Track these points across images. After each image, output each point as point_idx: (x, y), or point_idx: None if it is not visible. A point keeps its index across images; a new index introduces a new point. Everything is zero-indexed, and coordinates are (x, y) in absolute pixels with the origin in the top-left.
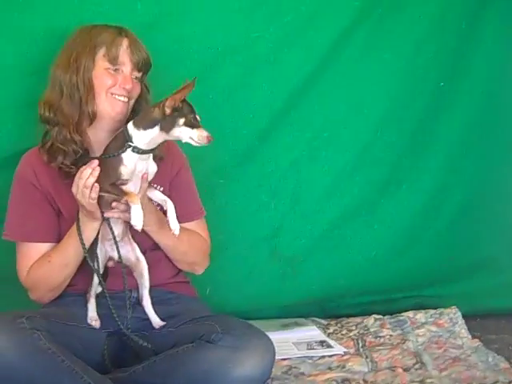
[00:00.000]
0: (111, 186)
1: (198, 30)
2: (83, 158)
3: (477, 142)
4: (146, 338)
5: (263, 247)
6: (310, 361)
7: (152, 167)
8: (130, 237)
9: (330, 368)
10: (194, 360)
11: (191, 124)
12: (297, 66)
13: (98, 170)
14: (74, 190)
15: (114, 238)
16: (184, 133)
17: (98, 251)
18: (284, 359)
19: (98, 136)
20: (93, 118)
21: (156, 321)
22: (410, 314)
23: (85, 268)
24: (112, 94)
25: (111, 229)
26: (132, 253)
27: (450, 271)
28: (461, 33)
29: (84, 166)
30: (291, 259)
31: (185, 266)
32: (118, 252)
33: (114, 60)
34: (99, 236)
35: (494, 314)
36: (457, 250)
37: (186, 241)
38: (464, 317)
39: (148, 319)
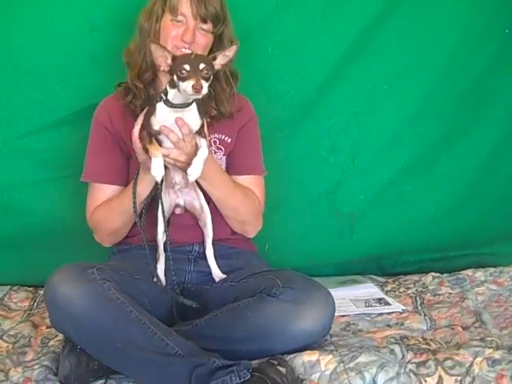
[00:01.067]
0: (146, 134)
1: None
2: (147, 102)
3: None
4: (205, 292)
5: (322, 203)
6: (368, 318)
7: (194, 120)
8: (195, 185)
9: (388, 325)
10: (255, 313)
11: (181, 77)
12: (355, 18)
13: (141, 120)
14: (133, 140)
15: (161, 186)
16: (182, 87)
17: (163, 198)
18: (342, 316)
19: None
20: (153, 68)
21: (217, 273)
22: (469, 272)
23: (153, 220)
24: (175, 45)
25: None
26: (197, 200)
27: (509, 229)
28: None
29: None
30: (349, 215)
31: (236, 224)
32: (162, 204)
33: (173, 11)
34: (163, 185)
35: None
36: None
37: (239, 196)
38: None
39: (210, 274)
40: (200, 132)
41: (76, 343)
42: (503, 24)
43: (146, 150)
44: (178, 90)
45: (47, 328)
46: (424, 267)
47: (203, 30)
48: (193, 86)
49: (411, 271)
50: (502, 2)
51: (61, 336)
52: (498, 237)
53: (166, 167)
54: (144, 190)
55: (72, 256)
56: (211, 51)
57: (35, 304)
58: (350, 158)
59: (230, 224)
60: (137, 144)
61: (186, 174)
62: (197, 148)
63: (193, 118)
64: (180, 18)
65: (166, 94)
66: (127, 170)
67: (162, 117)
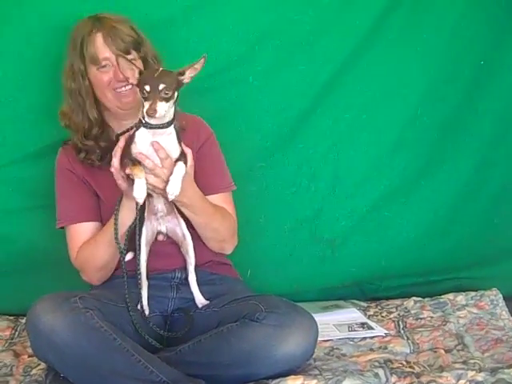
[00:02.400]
0: (126, 160)
1: (237, 12)
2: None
3: None
4: (186, 318)
5: (303, 230)
6: (351, 342)
7: (172, 145)
8: (177, 212)
9: (371, 349)
10: (239, 338)
11: (143, 97)
12: (335, 49)
13: (119, 152)
14: (113, 171)
15: (137, 211)
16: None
17: (144, 228)
18: (326, 340)
19: (122, 126)
20: (99, 122)
21: (200, 299)
22: (451, 296)
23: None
24: (114, 89)
25: (138, 205)
26: (179, 227)
27: (489, 253)
28: (500, 9)
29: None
30: (331, 241)
31: (215, 244)
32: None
33: (95, 61)
34: (145, 213)
35: None
36: (496, 231)
37: (219, 218)
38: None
39: (193, 300)
40: (180, 159)
41: (59, 372)
42: (478, 55)
43: (128, 178)
44: None
45: (29, 357)
46: (406, 292)
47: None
48: (146, 110)
49: (393, 296)
50: (476, 34)
51: (43, 364)
52: (478, 261)
53: (148, 194)
54: (128, 217)
55: (54, 284)
56: None
57: (16, 333)
58: (331, 185)
59: (209, 244)
60: (118, 175)
61: (166, 192)
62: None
63: (171, 143)
64: (104, 63)
65: (143, 115)
66: (99, 206)
67: (142, 143)
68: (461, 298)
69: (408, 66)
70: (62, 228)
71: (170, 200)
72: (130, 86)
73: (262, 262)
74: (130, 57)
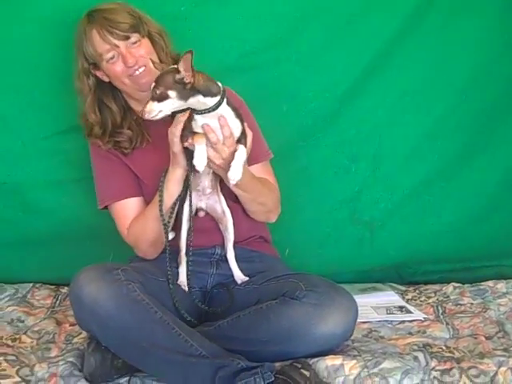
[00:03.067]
0: (186, 133)
1: None
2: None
3: None
4: (226, 294)
5: (342, 211)
6: (389, 325)
7: (232, 123)
8: (219, 188)
9: (410, 333)
10: (278, 316)
11: None
12: (379, 30)
13: (182, 121)
14: (169, 136)
15: (189, 184)
16: None
17: (186, 204)
18: (364, 322)
19: None
20: (117, 116)
21: (239, 275)
22: (491, 283)
23: (178, 224)
24: (129, 75)
25: (188, 176)
26: (219, 204)
27: None
28: None
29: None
30: (370, 224)
31: (261, 216)
32: (191, 205)
33: (99, 56)
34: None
35: None
36: None
37: (266, 192)
38: None
39: (232, 276)
40: (240, 140)
41: (101, 342)
42: None
43: (184, 149)
44: None
45: (70, 325)
46: (444, 277)
47: (134, 43)
48: (140, 111)
49: (431, 281)
50: None
51: (84, 333)
52: None
53: (195, 169)
54: (175, 189)
55: (94, 256)
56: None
57: (57, 302)
58: (371, 167)
59: (255, 216)
60: (175, 139)
61: (227, 177)
62: (233, 154)
63: (230, 122)
64: (109, 54)
65: None
66: (139, 183)
67: (199, 121)
68: (501, 286)
69: (454, 50)
70: (105, 208)
71: (232, 185)
72: (143, 68)
73: (301, 242)
74: (132, 40)
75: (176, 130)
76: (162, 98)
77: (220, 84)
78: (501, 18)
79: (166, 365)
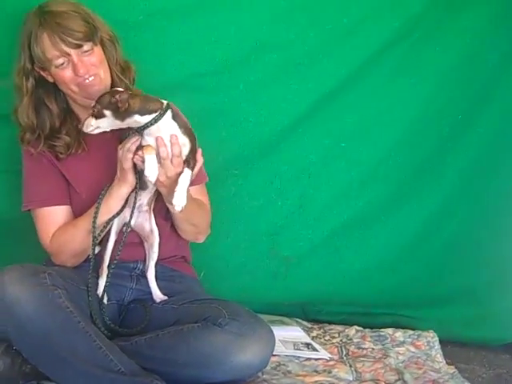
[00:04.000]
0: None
1: (241, 19)
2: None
3: (479, 180)
4: (142, 310)
5: (262, 243)
6: (296, 360)
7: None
8: (152, 207)
9: (316, 371)
10: (199, 340)
11: None
12: (327, 75)
13: (138, 140)
14: (119, 152)
15: (134, 203)
16: None
17: (116, 219)
18: (273, 355)
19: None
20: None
21: (157, 294)
22: (390, 331)
23: (106, 236)
24: (78, 83)
25: (136, 195)
26: (148, 223)
27: (429, 296)
28: (487, 71)
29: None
30: (286, 259)
31: (190, 236)
32: (131, 218)
33: (48, 61)
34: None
35: (464, 344)
36: (440, 276)
37: (199, 213)
38: None
39: (151, 293)
40: (189, 161)
41: (14, 345)
42: (458, 109)
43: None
44: None
45: None
46: (346, 319)
47: (86, 51)
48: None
49: (334, 321)
50: (460, 89)
51: None
52: (416, 302)
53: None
54: (116, 205)
55: (7, 254)
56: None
57: None
58: (297, 205)
59: (185, 235)
60: (129, 155)
61: (170, 201)
62: (179, 176)
63: (181, 138)
64: (59, 60)
65: None
66: (69, 190)
67: (149, 140)
68: (399, 335)
69: (392, 106)
70: (28, 211)
71: (176, 211)
72: (93, 77)
73: (217, 267)
74: (84, 48)
75: (132, 146)
76: (99, 115)
77: (164, 101)
78: (441, 83)
79: (82, 377)
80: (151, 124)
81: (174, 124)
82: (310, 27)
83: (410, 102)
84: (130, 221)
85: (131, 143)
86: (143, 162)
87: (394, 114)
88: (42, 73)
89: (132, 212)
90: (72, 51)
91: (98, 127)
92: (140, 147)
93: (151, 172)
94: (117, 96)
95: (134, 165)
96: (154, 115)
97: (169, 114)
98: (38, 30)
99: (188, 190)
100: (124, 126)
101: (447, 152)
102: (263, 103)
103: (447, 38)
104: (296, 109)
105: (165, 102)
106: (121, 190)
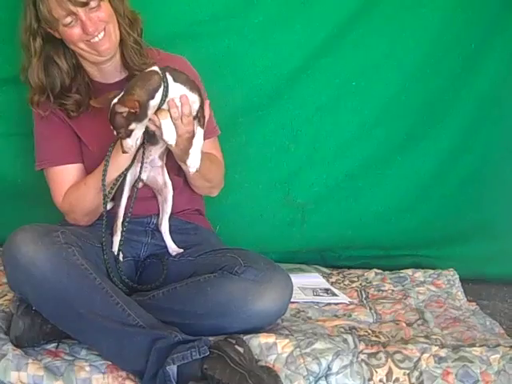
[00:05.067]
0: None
1: None
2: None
3: (496, 111)
4: (159, 265)
5: (276, 191)
6: (316, 306)
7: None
8: (165, 161)
9: (336, 315)
10: (216, 289)
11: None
12: (333, 11)
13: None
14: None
15: (143, 159)
16: None
17: (129, 174)
18: (292, 302)
19: (102, 71)
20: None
21: (173, 247)
22: (409, 271)
23: (118, 193)
24: (87, 41)
25: (144, 151)
26: (161, 176)
27: (449, 234)
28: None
29: None
30: (302, 206)
31: (204, 190)
32: (140, 174)
33: (56, 21)
34: (135, 159)
35: (485, 280)
36: (459, 213)
37: (213, 169)
38: None
39: (166, 246)
40: (199, 119)
41: (33, 305)
42: (471, 38)
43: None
44: None
45: None
46: (366, 263)
47: (93, 8)
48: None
49: (353, 266)
50: (473, 17)
51: (9, 295)
52: (437, 241)
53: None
54: (125, 161)
55: (22, 216)
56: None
57: None
58: (310, 149)
59: (198, 190)
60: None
61: (186, 165)
62: (192, 134)
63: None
64: (67, 19)
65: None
66: (81, 148)
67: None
68: (419, 275)
69: (403, 39)
70: (41, 170)
71: (191, 173)
72: (102, 33)
73: (232, 219)
74: (91, 5)
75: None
76: (129, 134)
77: (156, 68)
78: (451, 11)
79: (101, 333)
80: (164, 101)
81: (179, 85)
82: None
83: (420, 34)
84: (139, 176)
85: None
86: (157, 125)
87: (404, 47)
88: (49, 30)
89: (141, 166)
90: (79, 9)
91: (137, 139)
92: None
93: (170, 136)
94: (122, 109)
95: None
96: (160, 91)
97: (170, 79)
98: None
99: (202, 151)
100: (151, 117)
101: (461, 84)
102: (269, 46)
103: None
104: (303, 50)
105: (158, 70)
106: None
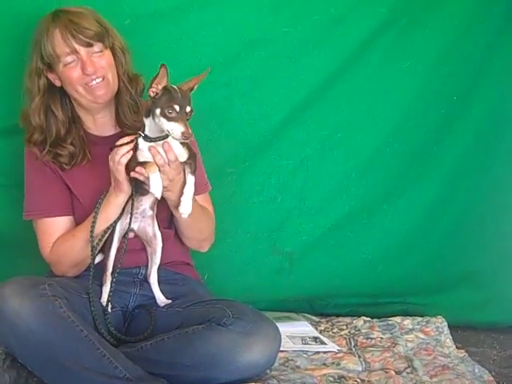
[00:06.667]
0: (134, 164)
1: (228, 16)
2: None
3: (478, 161)
4: (147, 315)
5: (264, 240)
6: (305, 355)
7: (177, 149)
8: (155, 213)
9: (324, 364)
10: (204, 341)
11: (166, 115)
12: (319, 66)
13: (130, 153)
14: (110, 164)
15: (132, 209)
16: (163, 124)
17: (118, 224)
18: (281, 351)
19: (96, 121)
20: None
21: (161, 299)
22: (398, 319)
23: (108, 243)
24: (85, 84)
25: (133, 202)
26: (151, 228)
27: (436, 282)
28: (481, 51)
29: (116, 148)
30: (290, 255)
31: (195, 243)
32: (130, 224)
33: (57, 57)
34: (124, 210)
35: (474, 327)
36: (445, 262)
37: (205, 219)
38: None
39: (154, 298)
40: (190, 165)
41: (18, 358)
42: (453, 91)
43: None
44: (154, 119)
45: None
46: (354, 311)
47: (96, 52)
48: (182, 132)
49: (342, 313)
50: (454, 71)
51: None
52: (425, 288)
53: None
54: (114, 213)
55: (8, 267)
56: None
57: None
58: (297, 199)
59: (190, 243)
60: (120, 167)
61: (178, 211)
62: (182, 178)
63: (176, 147)
64: (68, 58)
65: (143, 128)
66: (72, 200)
67: (145, 150)
68: (408, 322)
69: (386, 93)
70: (30, 219)
71: (183, 219)
72: (100, 79)
73: (221, 268)
74: (94, 49)
75: (122, 159)
76: (190, 115)
77: None
78: (433, 66)
79: None
80: (163, 138)
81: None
82: (297, 20)
83: (403, 88)
84: (129, 227)
85: (120, 156)
86: (145, 177)
87: (388, 100)
88: (49, 76)
89: (131, 218)
90: (82, 49)
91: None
92: (137, 162)
93: (157, 189)
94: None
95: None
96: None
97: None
98: (50, 25)
99: (194, 197)
100: (138, 170)
101: (444, 136)
102: (256, 99)
103: (436, 21)
104: (289, 102)
105: None
106: (118, 199)
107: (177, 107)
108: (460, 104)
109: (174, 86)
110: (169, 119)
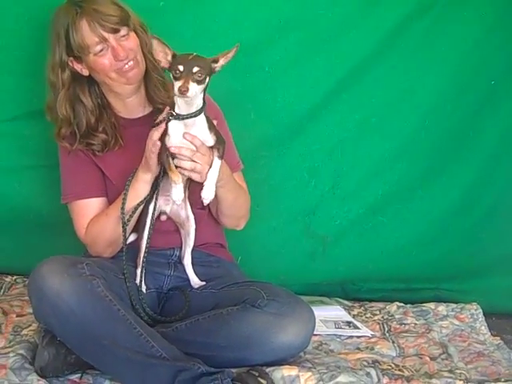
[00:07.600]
0: (166, 157)
1: (261, 0)
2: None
3: None
4: (182, 297)
5: (298, 224)
6: (338, 339)
7: (203, 135)
8: (187, 195)
9: (358, 348)
10: (239, 322)
11: (175, 77)
12: (354, 49)
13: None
14: (147, 141)
15: (158, 191)
16: (174, 87)
17: (151, 206)
18: (314, 335)
19: (127, 105)
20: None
21: (195, 280)
22: (432, 305)
23: (141, 225)
24: (118, 69)
25: (158, 185)
26: (184, 210)
27: (471, 267)
28: None
29: (153, 129)
30: (323, 238)
31: (233, 221)
32: (155, 206)
33: (87, 48)
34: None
35: (509, 314)
36: (481, 246)
37: (242, 195)
38: None
39: (188, 280)
40: (218, 149)
41: (58, 336)
42: (490, 75)
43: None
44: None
45: (18, 316)
46: (386, 296)
47: (123, 36)
48: (178, 88)
49: (374, 298)
50: (492, 55)
51: (34, 326)
52: (459, 275)
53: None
54: (143, 189)
55: (46, 247)
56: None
57: (1, 291)
58: (331, 183)
59: (227, 221)
60: (152, 154)
61: (200, 196)
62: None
63: (203, 133)
64: (98, 47)
65: (173, 106)
66: (105, 182)
67: (175, 135)
68: (442, 309)
69: (423, 76)
70: (67, 203)
71: (205, 204)
72: (132, 61)
73: (254, 251)
74: (121, 33)
75: (158, 142)
76: (201, 81)
77: None
78: (472, 49)
79: (124, 364)
80: (195, 115)
81: (204, 120)
82: (334, 2)
83: (440, 71)
84: (155, 207)
85: (157, 138)
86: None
87: (424, 84)
88: (76, 66)
89: (156, 198)
90: (110, 36)
91: (195, 92)
92: (167, 155)
93: (178, 197)
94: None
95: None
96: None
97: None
98: (76, 18)
99: (224, 167)
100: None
101: (481, 120)
102: (291, 82)
103: (475, 4)
104: (324, 86)
105: None
106: (145, 176)
107: (180, 67)
108: (497, 88)
109: (186, 53)
110: (175, 79)
